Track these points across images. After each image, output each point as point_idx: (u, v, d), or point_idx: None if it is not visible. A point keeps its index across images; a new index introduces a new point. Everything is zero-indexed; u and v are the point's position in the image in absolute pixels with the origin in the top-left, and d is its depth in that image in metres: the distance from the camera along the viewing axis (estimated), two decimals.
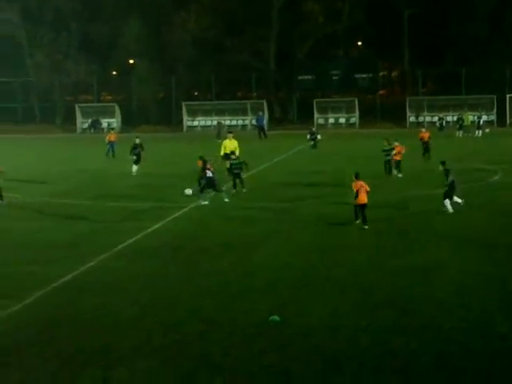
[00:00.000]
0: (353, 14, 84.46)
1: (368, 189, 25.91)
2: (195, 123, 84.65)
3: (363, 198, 25.62)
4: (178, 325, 16.03)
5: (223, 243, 24.01)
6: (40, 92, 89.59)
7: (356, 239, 24.24)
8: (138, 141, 42.67)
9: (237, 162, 34.80)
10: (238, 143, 40.37)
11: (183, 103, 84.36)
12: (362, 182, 25.85)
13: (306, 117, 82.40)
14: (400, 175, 38.20)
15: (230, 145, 39.94)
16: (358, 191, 25.69)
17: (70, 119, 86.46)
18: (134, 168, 41.62)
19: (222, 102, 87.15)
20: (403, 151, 38.86)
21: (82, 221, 28.46)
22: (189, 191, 33.27)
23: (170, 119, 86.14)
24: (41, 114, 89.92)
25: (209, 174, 31.41)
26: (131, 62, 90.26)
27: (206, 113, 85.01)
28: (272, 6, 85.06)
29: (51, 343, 15.14)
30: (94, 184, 39.09)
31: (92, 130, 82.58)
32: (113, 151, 51.57)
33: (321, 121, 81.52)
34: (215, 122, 79.70)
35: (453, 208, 27.91)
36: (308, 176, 39.76)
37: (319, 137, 51.22)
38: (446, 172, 28.48)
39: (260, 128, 72.75)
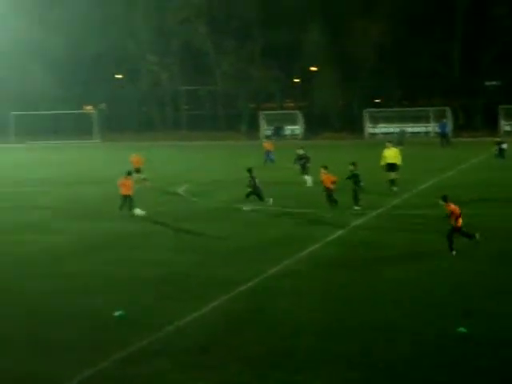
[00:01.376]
0: None
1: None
2: (377, 130, 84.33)
3: (460, 220, 22.99)
4: (361, 332, 15.92)
5: (406, 252, 23.69)
6: (225, 99, 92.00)
7: None
8: (301, 152, 42.01)
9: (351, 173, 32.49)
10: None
11: (364, 110, 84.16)
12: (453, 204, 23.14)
13: (491, 124, 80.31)
14: None
15: (389, 154, 37.48)
16: (457, 216, 22.87)
17: (253, 126, 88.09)
18: (305, 178, 40.25)
19: (404, 109, 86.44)
20: None
21: (263, 227, 28.79)
22: (138, 211, 31.33)
23: (352, 126, 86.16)
24: (226, 121, 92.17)
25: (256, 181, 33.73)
26: (313, 69, 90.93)
27: (388, 120, 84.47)
28: (456, 10, 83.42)
29: (236, 345, 15.35)
30: (274, 191, 39.08)
31: (275, 137, 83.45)
32: (271, 160, 51.66)
33: (507, 128, 78.98)
34: (397, 129, 79.10)
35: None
36: (489, 188, 38.32)
37: (505, 146, 49.52)
38: None
39: (443, 135, 71.28)
